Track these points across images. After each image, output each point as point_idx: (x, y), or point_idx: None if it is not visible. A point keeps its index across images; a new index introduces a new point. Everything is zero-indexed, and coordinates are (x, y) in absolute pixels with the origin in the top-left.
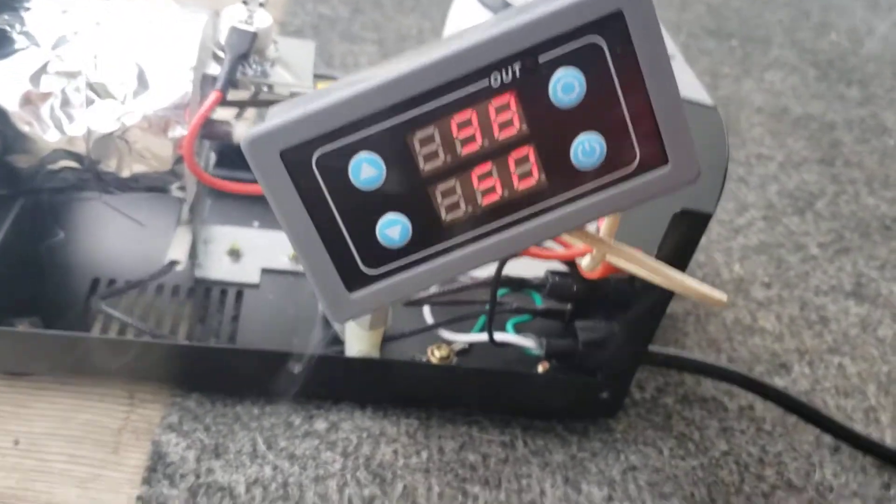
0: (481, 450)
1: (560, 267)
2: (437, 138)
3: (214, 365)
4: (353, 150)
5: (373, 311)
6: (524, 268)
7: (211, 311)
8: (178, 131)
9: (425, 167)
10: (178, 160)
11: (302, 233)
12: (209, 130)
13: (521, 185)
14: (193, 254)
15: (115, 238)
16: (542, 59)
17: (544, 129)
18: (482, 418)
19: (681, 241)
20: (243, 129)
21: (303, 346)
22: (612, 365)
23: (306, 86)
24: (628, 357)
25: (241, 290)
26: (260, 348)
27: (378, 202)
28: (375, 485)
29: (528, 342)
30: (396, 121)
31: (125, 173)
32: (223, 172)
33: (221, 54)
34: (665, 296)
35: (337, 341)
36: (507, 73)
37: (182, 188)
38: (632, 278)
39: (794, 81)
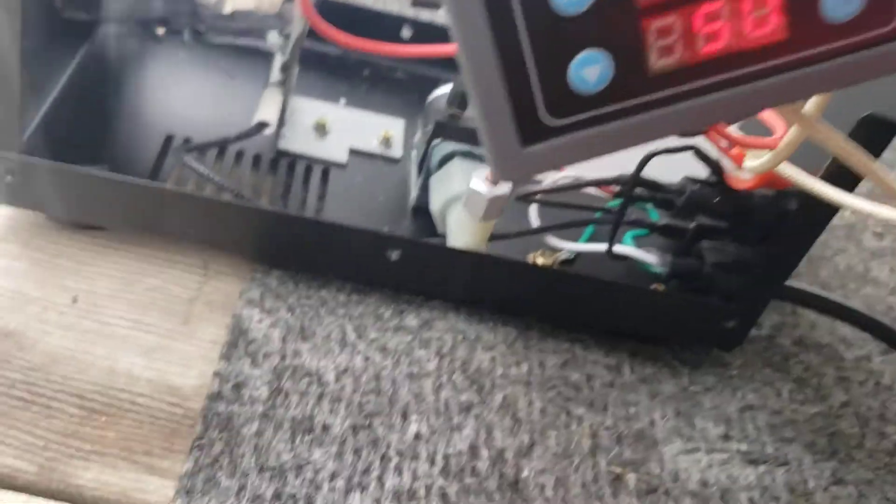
0: (585, 370)
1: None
2: None
3: (300, 239)
4: None
5: (548, 170)
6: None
7: (295, 186)
8: None
9: None
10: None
11: (480, 58)
12: None
13: (753, 34)
14: (280, 121)
15: (196, 90)
16: None
17: None
18: (586, 336)
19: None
20: None
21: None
22: (745, 292)
23: None
24: (765, 285)
25: (327, 167)
26: (354, 225)
27: (578, 32)
28: (473, 391)
29: (650, 257)
30: None
31: (227, 8)
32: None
33: None
34: (818, 222)
35: (429, 233)
36: None
37: (285, 35)
38: (778, 196)
39: None
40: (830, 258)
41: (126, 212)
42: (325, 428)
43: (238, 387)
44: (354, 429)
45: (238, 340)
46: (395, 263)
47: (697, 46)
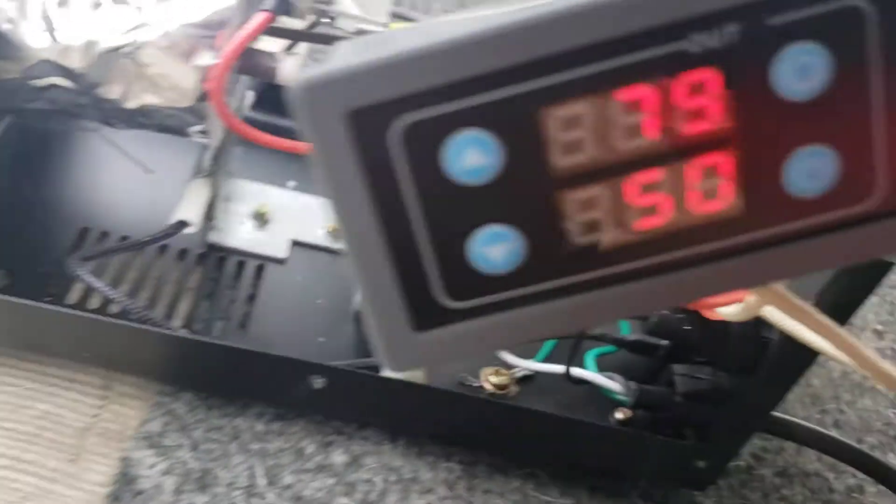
0: None
1: None
2: (587, 121)
3: (208, 363)
4: (455, 123)
5: (447, 361)
6: None
7: (223, 285)
8: (207, 58)
9: (560, 162)
10: (203, 96)
11: (361, 232)
12: (248, 63)
13: (700, 209)
14: (210, 214)
15: (115, 183)
16: (772, 21)
17: (755, 128)
18: (540, 471)
19: (847, 293)
20: (293, 68)
21: (330, 348)
22: (721, 428)
23: (379, 22)
24: (746, 421)
25: (262, 263)
26: (272, 353)
27: (481, 205)
28: None
29: (614, 385)
30: (527, 87)
31: (131, 104)
32: (260, 117)
33: None
34: (806, 355)
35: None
36: (715, 36)
37: (204, 132)
38: (757, 324)
39: None
40: (823, 363)
41: (14, 332)
42: None
43: None
44: None
45: (123, 491)
46: (319, 392)
47: (630, 222)
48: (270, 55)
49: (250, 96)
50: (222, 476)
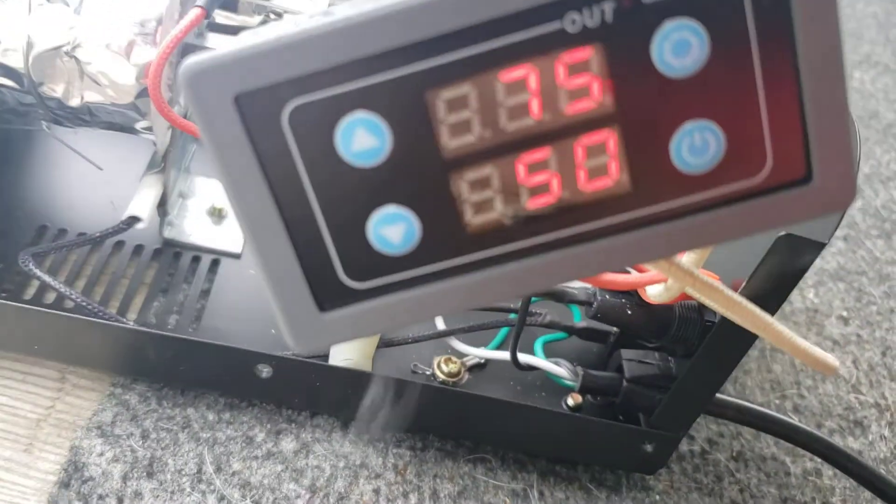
0: (485, 498)
1: None
2: (473, 102)
3: (167, 355)
4: (344, 105)
5: (351, 339)
6: None
7: (177, 279)
8: (146, 55)
9: (450, 143)
10: (143, 92)
11: (259, 216)
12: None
13: (589, 186)
14: (163, 210)
15: (72, 181)
16: None
17: (638, 105)
18: (491, 456)
19: (779, 274)
20: None
21: (282, 340)
22: (665, 412)
23: None
24: (688, 405)
25: (217, 258)
26: (223, 344)
27: (375, 187)
28: None
29: (559, 370)
30: (414, 68)
31: (74, 101)
32: None
33: None
34: (746, 337)
35: None
36: (591, 15)
37: (149, 128)
38: (700, 308)
39: (886, 83)
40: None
41: None
42: None
43: None
44: None
45: (71, 479)
46: (266, 381)
47: (522, 200)
48: (208, 50)
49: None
50: (171, 463)
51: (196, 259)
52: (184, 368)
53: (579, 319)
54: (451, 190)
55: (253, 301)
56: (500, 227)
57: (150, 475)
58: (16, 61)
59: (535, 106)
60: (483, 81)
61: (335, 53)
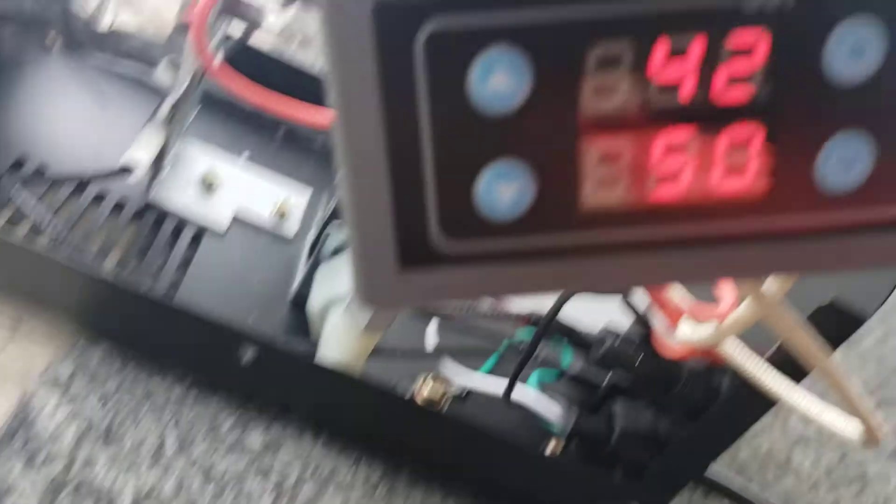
0: None
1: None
2: (627, 64)
3: (142, 317)
4: (489, 38)
5: (424, 304)
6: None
7: (156, 246)
8: None
9: (591, 103)
10: (182, 29)
11: (364, 146)
12: (233, 4)
13: (721, 183)
14: (156, 167)
15: (63, 118)
16: None
17: (795, 106)
18: (463, 489)
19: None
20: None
21: (259, 330)
22: (655, 474)
23: None
24: (680, 469)
25: (200, 232)
26: (203, 315)
27: (498, 136)
28: None
29: (551, 412)
30: (579, 14)
31: (104, 24)
32: None
33: None
34: (758, 408)
35: (303, 334)
36: None
37: (174, 64)
38: (710, 371)
39: None
40: (752, 438)
41: None
42: None
43: None
44: None
45: (17, 431)
46: (246, 366)
47: (648, 186)
48: (253, 5)
49: (219, 54)
50: (130, 435)
51: (178, 229)
52: (158, 335)
53: (570, 361)
54: (580, 156)
55: (233, 284)
56: (615, 212)
57: (106, 443)
58: None
59: (689, 82)
60: (642, 44)
61: None
